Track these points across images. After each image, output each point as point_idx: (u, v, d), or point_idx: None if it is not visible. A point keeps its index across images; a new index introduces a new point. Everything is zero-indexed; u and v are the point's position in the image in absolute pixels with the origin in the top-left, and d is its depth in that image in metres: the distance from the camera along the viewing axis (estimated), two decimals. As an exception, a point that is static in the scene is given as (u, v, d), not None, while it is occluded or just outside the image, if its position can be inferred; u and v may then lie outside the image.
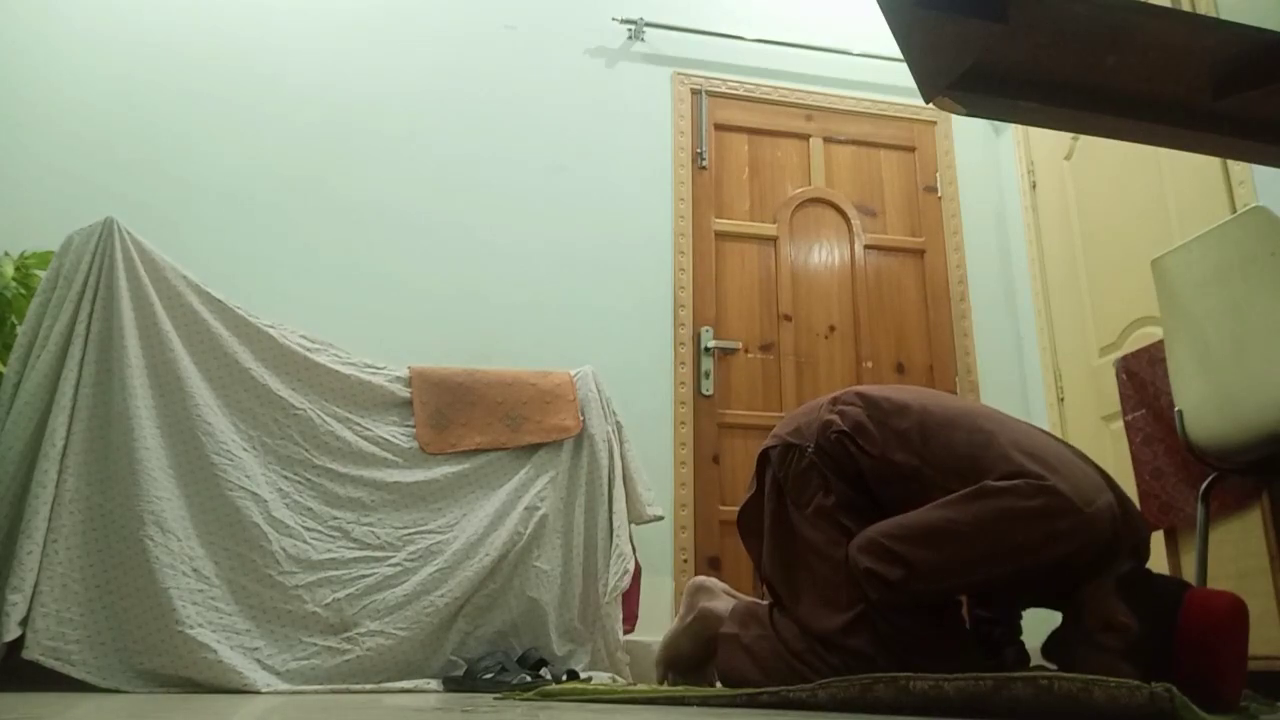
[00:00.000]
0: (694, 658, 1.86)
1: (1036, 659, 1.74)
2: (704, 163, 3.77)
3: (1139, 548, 1.54)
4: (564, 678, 2.45)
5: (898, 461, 1.60)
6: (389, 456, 2.69)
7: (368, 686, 2.36)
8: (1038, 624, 1.71)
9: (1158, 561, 2.55)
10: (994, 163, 4.09)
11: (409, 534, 2.61)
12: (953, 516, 1.50)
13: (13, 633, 2.11)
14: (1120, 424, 2.64)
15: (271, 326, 2.71)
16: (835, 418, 1.68)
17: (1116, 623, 1.42)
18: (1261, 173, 2.73)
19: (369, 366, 2.82)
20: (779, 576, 1.68)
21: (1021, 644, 1.76)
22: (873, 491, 1.64)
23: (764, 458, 1.76)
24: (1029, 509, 1.45)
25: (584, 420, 2.86)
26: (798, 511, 1.67)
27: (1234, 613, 1.41)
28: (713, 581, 1.93)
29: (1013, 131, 3.97)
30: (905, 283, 3.85)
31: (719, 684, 1.75)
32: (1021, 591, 1.62)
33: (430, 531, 2.63)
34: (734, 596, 1.89)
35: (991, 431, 1.59)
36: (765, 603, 1.75)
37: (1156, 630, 1.41)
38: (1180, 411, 2.13)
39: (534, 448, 2.82)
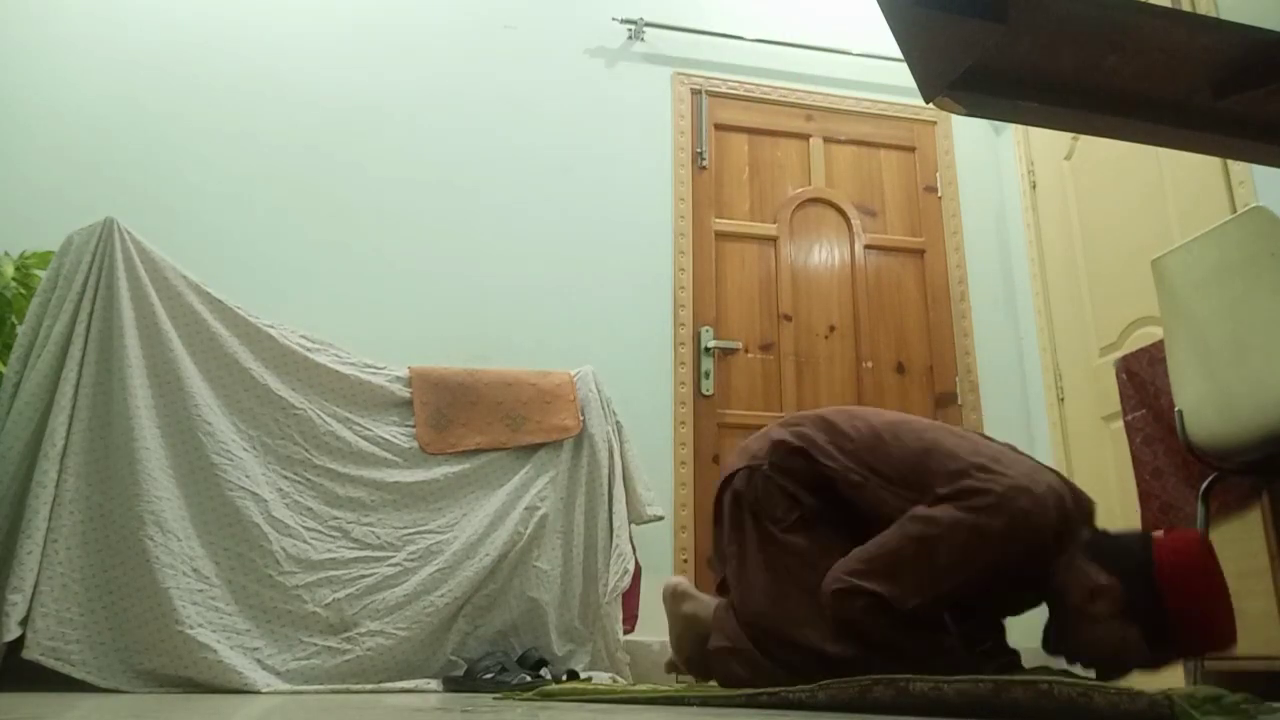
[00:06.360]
0: (696, 658, 1.88)
1: (1030, 661, 1.75)
2: (704, 163, 3.77)
3: (1090, 517, 1.61)
4: (564, 678, 2.44)
5: (849, 474, 1.68)
6: (389, 456, 2.69)
7: (368, 686, 2.36)
8: (1029, 620, 1.71)
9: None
10: (994, 163, 4.09)
11: (409, 534, 2.61)
12: (912, 533, 1.55)
13: (13, 633, 2.11)
14: (1120, 424, 2.63)
15: (271, 326, 2.71)
16: (787, 435, 1.77)
17: (1099, 586, 1.49)
18: (1261, 173, 2.73)
19: (369, 366, 2.82)
20: (771, 604, 1.67)
21: (1014, 652, 1.76)
22: (840, 499, 1.68)
23: (725, 490, 1.80)
24: (986, 504, 1.51)
25: (584, 420, 2.86)
26: (777, 529, 1.70)
27: (1203, 544, 1.51)
28: (685, 583, 1.96)
29: (1013, 131, 3.96)
30: (905, 283, 3.85)
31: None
32: (1000, 592, 1.65)
33: (430, 531, 2.63)
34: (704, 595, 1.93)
35: (933, 438, 1.67)
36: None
37: (1138, 580, 1.48)
38: (1180, 411, 2.13)
39: (534, 448, 2.82)
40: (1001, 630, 1.79)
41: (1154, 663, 1.52)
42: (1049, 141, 3.71)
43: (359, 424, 2.70)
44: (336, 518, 2.57)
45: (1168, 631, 1.47)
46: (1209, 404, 2.06)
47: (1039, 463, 1.64)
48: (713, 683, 1.79)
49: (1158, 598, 1.46)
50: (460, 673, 2.43)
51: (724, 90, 3.89)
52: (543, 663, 2.49)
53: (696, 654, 1.85)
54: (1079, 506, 1.59)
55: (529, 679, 2.36)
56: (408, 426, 2.76)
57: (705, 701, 1.55)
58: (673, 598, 1.93)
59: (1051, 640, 1.60)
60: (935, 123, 4.06)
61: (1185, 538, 1.52)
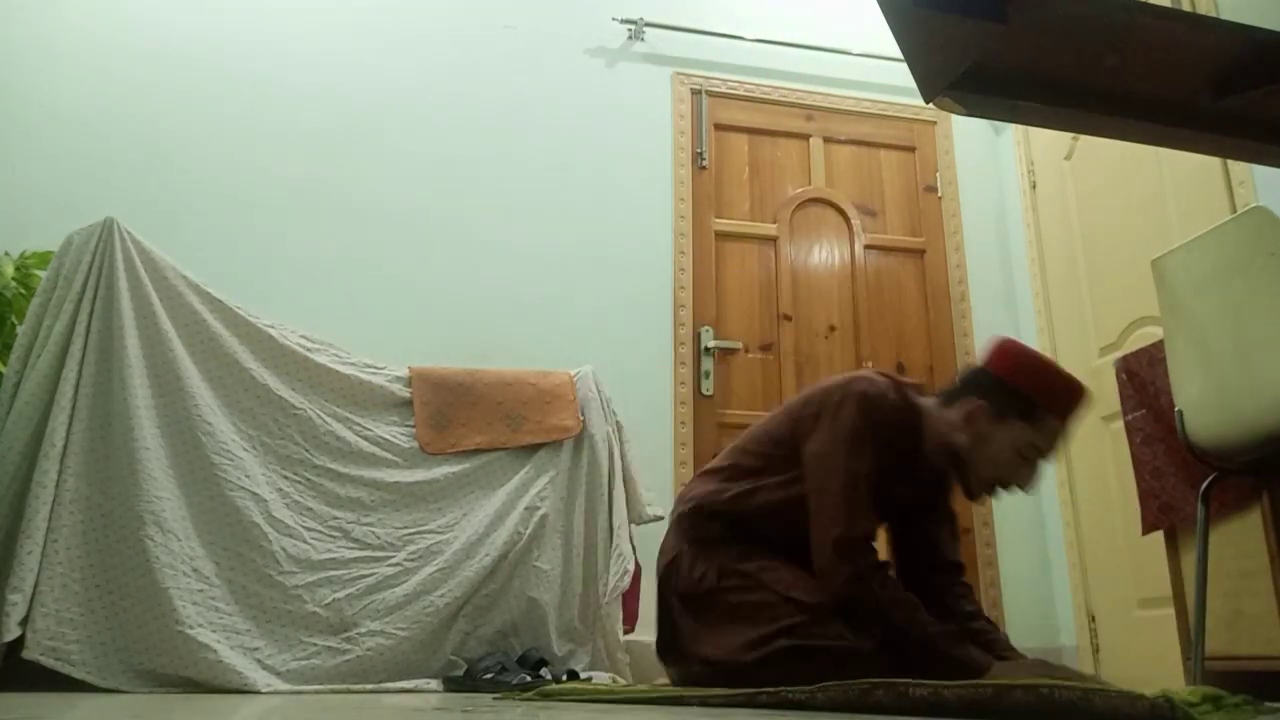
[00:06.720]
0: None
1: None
2: (704, 163, 3.77)
3: (920, 388, 1.93)
4: (564, 678, 2.44)
5: (735, 489, 1.90)
6: (389, 456, 2.69)
7: (368, 686, 2.36)
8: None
9: (1157, 561, 2.55)
10: (994, 163, 4.09)
11: (409, 534, 2.61)
12: (817, 470, 1.78)
13: (13, 633, 2.11)
14: (1120, 424, 2.63)
15: (271, 326, 2.71)
16: (680, 511, 1.98)
17: (968, 413, 1.78)
18: (1261, 173, 2.73)
19: (369, 366, 2.82)
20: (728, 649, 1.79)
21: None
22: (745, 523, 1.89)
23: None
24: (834, 404, 1.79)
25: (584, 420, 2.86)
26: (706, 585, 1.85)
27: (1009, 339, 1.87)
28: None
29: (1013, 131, 3.96)
30: (905, 283, 3.85)
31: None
32: (902, 484, 1.85)
33: (430, 531, 2.63)
34: None
35: (774, 420, 1.96)
36: None
37: (988, 387, 1.78)
38: (1180, 411, 2.12)
39: (534, 448, 2.82)
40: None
41: (1043, 439, 1.76)
42: (1049, 141, 3.71)
43: (359, 424, 2.70)
44: (336, 518, 2.56)
45: (1033, 400, 1.74)
46: (1209, 404, 2.06)
47: None
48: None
49: (1008, 386, 1.76)
50: (460, 673, 2.43)
51: (724, 90, 3.89)
52: (543, 663, 2.49)
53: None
54: (903, 382, 1.90)
55: (529, 679, 2.36)
56: (408, 426, 2.76)
57: (705, 701, 1.55)
58: None
59: (969, 487, 1.83)
60: (935, 123, 4.06)
61: (995, 340, 1.87)
